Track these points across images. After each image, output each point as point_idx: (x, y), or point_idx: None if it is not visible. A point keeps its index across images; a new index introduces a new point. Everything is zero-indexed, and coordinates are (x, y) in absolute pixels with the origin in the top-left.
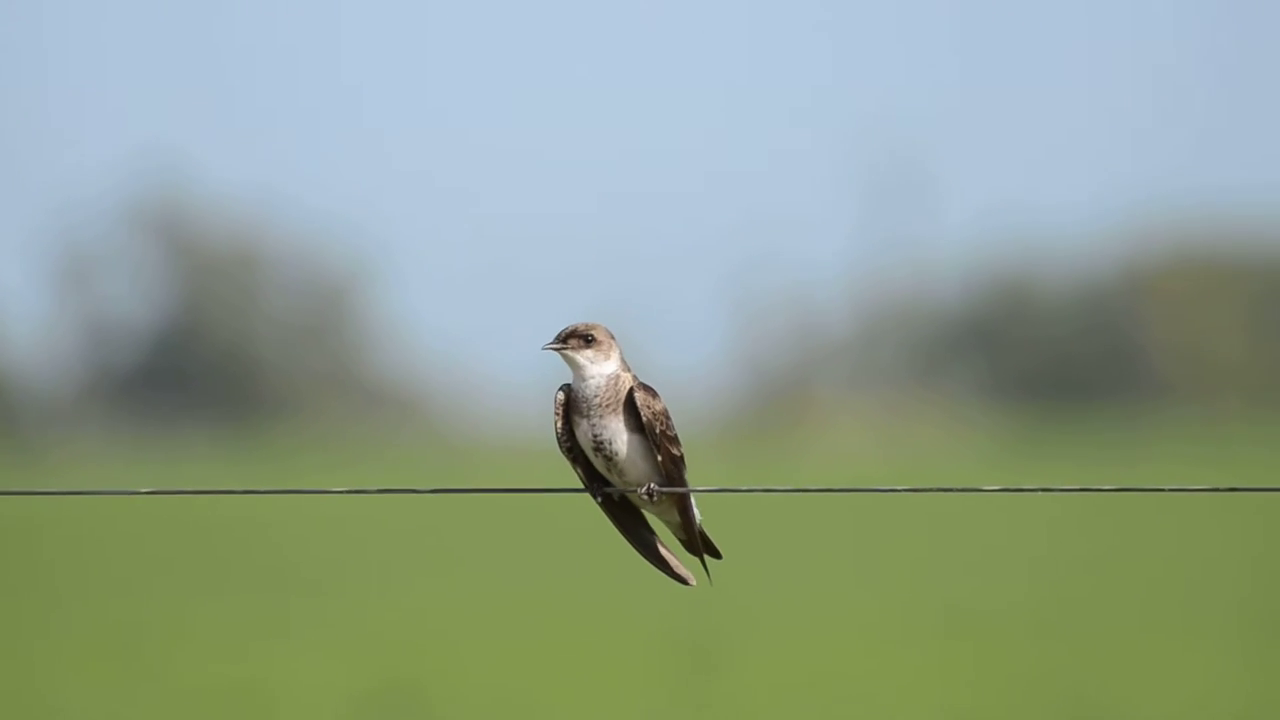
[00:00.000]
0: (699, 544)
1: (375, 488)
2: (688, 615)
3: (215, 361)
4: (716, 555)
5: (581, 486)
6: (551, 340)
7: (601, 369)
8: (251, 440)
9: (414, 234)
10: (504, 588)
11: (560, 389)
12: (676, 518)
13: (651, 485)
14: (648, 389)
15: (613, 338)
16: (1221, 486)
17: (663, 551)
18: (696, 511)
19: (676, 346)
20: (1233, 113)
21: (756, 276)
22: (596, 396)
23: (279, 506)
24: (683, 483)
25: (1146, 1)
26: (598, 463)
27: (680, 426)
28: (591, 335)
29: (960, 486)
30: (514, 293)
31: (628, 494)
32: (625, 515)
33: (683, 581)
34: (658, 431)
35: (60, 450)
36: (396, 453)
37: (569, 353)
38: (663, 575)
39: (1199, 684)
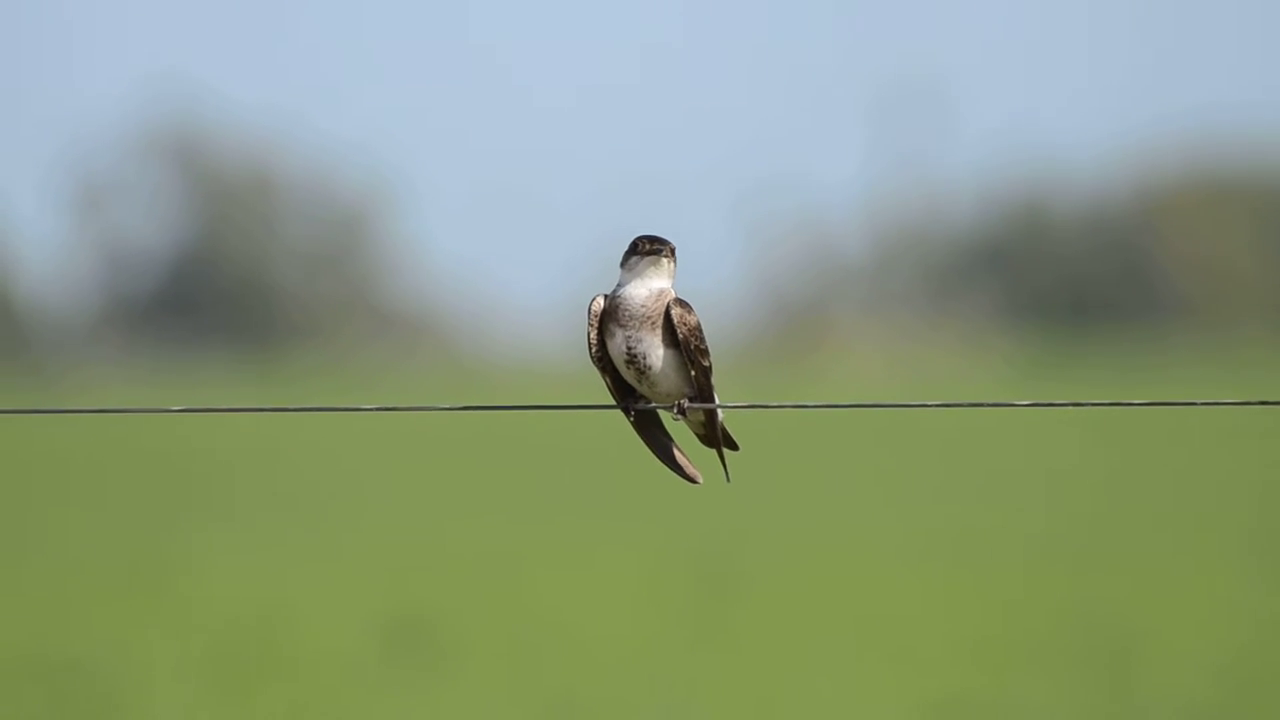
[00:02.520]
0: (719, 439)
1: (405, 405)
2: (706, 538)
3: (232, 288)
4: (734, 447)
5: (609, 403)
6: (663, 247)
7: (661, 283)
8: (269, 365)
9: (430, 159)
10: (520, 513)
11: (596, 297)
12: (701, 416)
13: (683, 402)
14: (683, 303)
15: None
16: (1253, 400)
17: (677, 454)
18: (721, 415)
19: (692, 271)
20: (1247, 32)
21: (771, 199)
22: (644, 308)
23: (297, 431)
24: (711, 390)
25: None
26: (628, 375)
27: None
28: (675, 249)
29: (992, 401)
30: (529, 218)
31: (658, 409)
32: (644, 417)
33: (691, 480)
34: (692, 346)
35: (78, 375)
36: (414, 377)
37: (671, 263)
38: (674, 476)
39: (1221, 604)
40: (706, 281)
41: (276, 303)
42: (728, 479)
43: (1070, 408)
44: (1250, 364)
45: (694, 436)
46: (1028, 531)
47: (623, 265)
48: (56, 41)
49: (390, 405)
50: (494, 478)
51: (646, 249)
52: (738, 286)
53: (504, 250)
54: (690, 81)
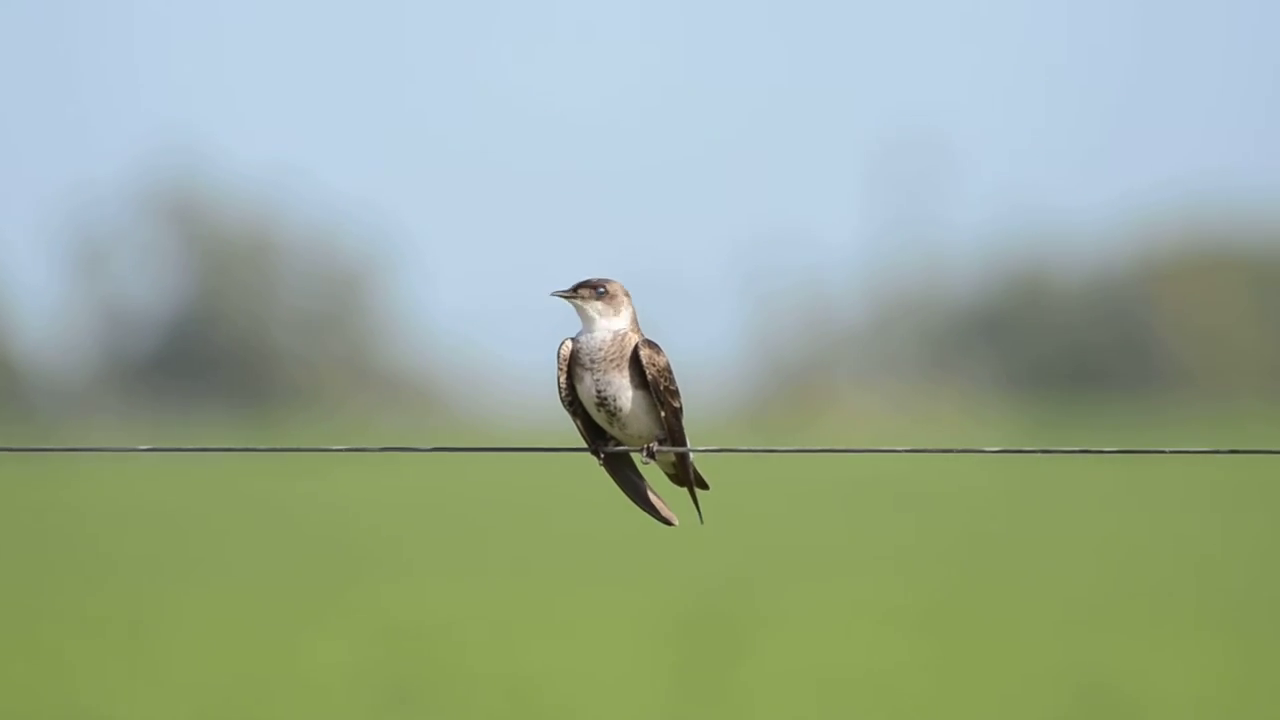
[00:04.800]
0: (690, 479)
1: (375, 447)
2: (704, 596)
3: (231, 348)
4: (704, 486)
5: (583, 446)
6: (564, 287)
7: (610, 324)
8: (267, 427)
9: (430, 222)
10: (520, 570)
11: (565, 341)
12: (672, 457)
13: (653, 445)
14: (652, 344)
15: (628, 295)
16: (1222, 449)
17: (651, 496)
18: (691, 457)
19: (691, 334)
20: (1246, 104)
21: (771, 263)
22: (601, 350)
23: (294, 492)
24: (681, 431)
25: None
26: (599, 417)
27: (697, 413)
28: (604, 288)
29: (960, 448)
30: (528, 279)
31: (630, 453)
32: (616, 459)
33: (666, 522)
34: (661, 388)
35: (75, 435)
36: (410, 438)
37: (579, 302)
38: (650, 519)
39: (1221, 674)
40: (705, 344)
41: (276, 363)
42: (700, 520)
43: (1041, 454)
44: (1248, 434)
45: (664, 476)
46: (1022, 596)
47: None
48: (59, 97)
49: (361, 447)
50: (483, 535)
51: (569, 294)
52: (735, 348)
53: (506, 313)
54: (691, 143)
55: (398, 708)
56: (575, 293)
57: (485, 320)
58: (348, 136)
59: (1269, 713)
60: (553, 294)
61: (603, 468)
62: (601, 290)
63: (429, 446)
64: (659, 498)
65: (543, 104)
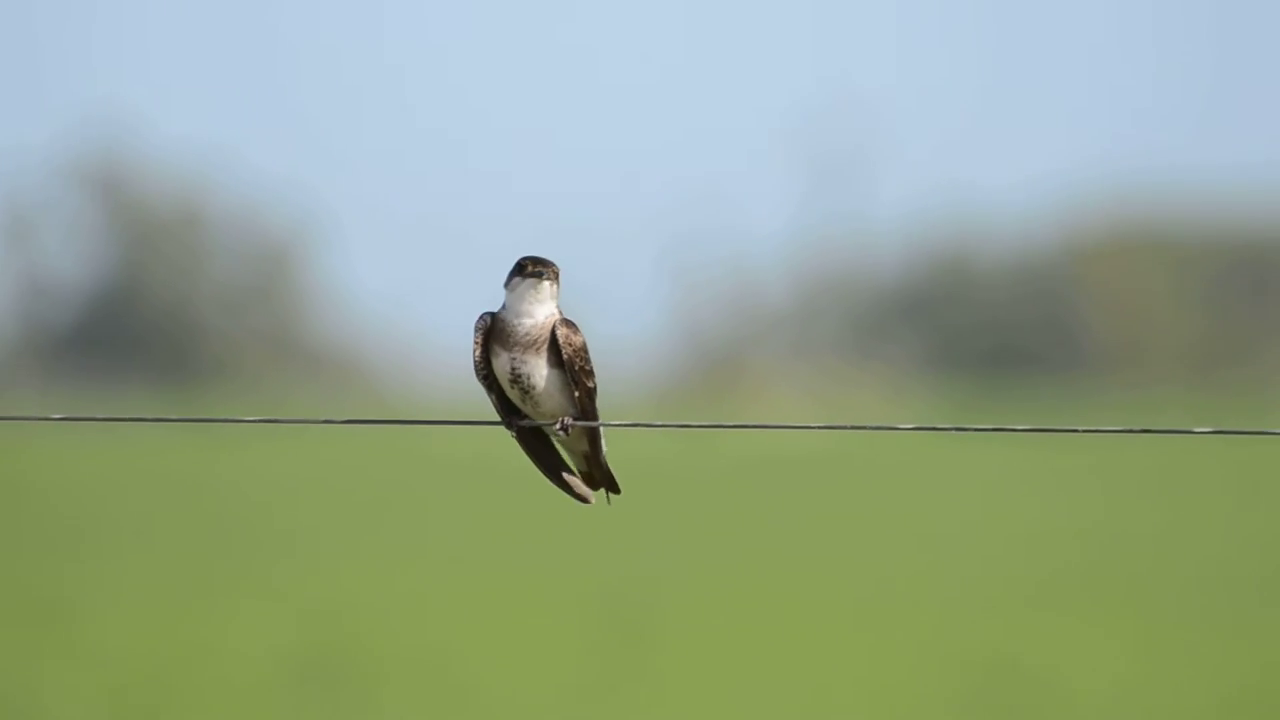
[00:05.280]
0: (601, 476)
1: (288, 418)
2: (622, 582)
3: (155, 322)
4: (615, 490)
5: (494, 419)
6: (544, 269)
7: (551, 306)
8: (192, 402)
9: (358, 200)
10: (436, 550)
11: (482, 316)
12: (585, 447)
13: (566, 419)
14: (570, 324)
15: None
16: (1135, 427)
17: (565, 475)
18: (604, 443)
19: (614, 316)
20: (1169, 90)
21: (696, 248)
22: (528, 334)
23: (217, 467)
24: (595, 412)
25: None
26: (512, 394)
27: (618, 395)
28: (558, 272)
29: (875, 425)
30: (456, 260)
31: (542, 426)
32: (534, 440)
33: (583, 500)
34: (577, 367)
35: None
36: (335, 414)
37: (549, 283)
38: (568, 499)
39: (1115, 650)
40: (629, 327)
41: (201, 338)
42: (609, 501)
43: (955, 431)
44: (1168, 417)
45: (579, 474)
46: (938, 578)
47: (506, 286)
48: None
49: (273, 418)
50: (407, 514)
51: (529, 270)
52: (660, 332)
53: (430, 291)
54: (613, 119)
55: (309, 687)
56: (552, 273)
57: (410, 296)
58: (274, 111)
59: (1175, 693)
60: (541, 274)
61: (518, 443)
62: (558, 274)
63: (343, 419)
64: (575, 475)
65: (466, 79)
